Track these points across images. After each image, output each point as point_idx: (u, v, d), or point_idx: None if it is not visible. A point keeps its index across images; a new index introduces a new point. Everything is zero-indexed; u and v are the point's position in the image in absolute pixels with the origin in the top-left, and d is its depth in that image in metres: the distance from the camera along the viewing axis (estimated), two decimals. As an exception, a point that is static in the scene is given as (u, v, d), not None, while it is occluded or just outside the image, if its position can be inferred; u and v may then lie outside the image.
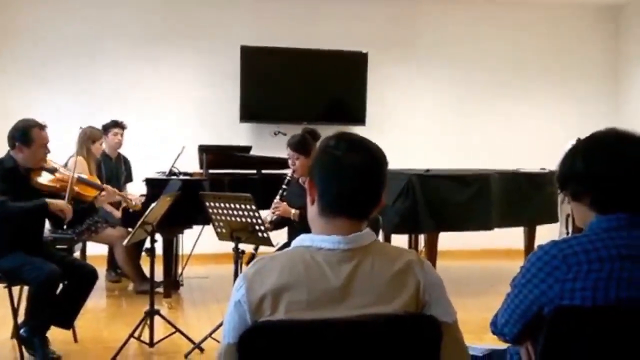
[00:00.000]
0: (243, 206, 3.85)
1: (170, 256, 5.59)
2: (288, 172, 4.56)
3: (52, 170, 4.07)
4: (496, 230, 5.74)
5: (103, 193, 4.37)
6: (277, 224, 4.43)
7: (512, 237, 6.39)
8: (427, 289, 1.53)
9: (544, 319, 1.74)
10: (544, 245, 1.77)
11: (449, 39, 7.69)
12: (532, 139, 7.73)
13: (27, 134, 3.85)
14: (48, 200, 3.85)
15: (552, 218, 6.18)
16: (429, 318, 1.50)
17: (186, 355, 3.98)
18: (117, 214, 5.66)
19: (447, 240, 5.67)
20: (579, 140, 1.90)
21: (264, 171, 5.89)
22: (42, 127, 3.92)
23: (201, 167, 5.76)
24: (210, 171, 5.69)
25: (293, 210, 4.27)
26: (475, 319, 3.19)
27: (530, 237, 6.28)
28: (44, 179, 4.00)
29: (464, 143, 7.63)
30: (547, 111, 7.90)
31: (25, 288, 4.00)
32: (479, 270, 6.95)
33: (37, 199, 3.90)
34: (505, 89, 7.84)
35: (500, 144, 7.66)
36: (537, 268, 1.74)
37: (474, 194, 5.51)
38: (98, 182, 4.59)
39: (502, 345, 2.10)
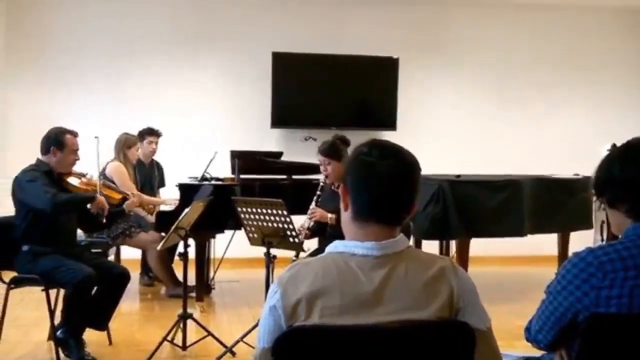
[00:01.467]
0: (274, 211, 3.87)
1: (203, 260, 5.64)
2: (320, 177, 4.56)
3: (80, 175, 4.28)
4: (529, 236, 5.68)
5: (132, 199, 4.53)
6: (314, 231, 4.43)
7: (545, 243, 6.31)
8: (461, 295, 1.53)
9: (578, 326, 1.73)
10: (580, 252, 1.76)
11: (480, 44, 7.65)
12: (565, 144, 7.63)
13: (60, 139, 4.07)
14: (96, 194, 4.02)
15: (586, 224, 6.09)
16: (462, 325, 1.50)
17: (218, 359, 4.02)
18: (150, 218, 5.74)
19: (479, 246, 5.62)
20: (614, 146, 1.88)
21: (294, 176, 5.92)
22: (74, 134, 4.15)
23: (233, 173, 5.81)
24: (242, 176, 5.74)
25: (329, 215, 4.27)
26: (507, 326, 3.16)
27: (563, 243, 6.21)
28: (75, 181, 4.21)
29: (496, 148, 7.58)
30: (579, 116, 7.80)
31: (62, 290, 4.09)
32: (510, 276, 6.88)
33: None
34: (537, 93, 7.76)
35: (532, 150, 7.58)
36: (572, 275, 1.73)
37: (505, 200, 5.46)
38: (125, 190, 4.77)
39: (536, 353, 2.09)
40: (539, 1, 7.56)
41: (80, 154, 4.17)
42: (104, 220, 4.10)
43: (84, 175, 4.29)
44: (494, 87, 7.69)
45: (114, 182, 5.30)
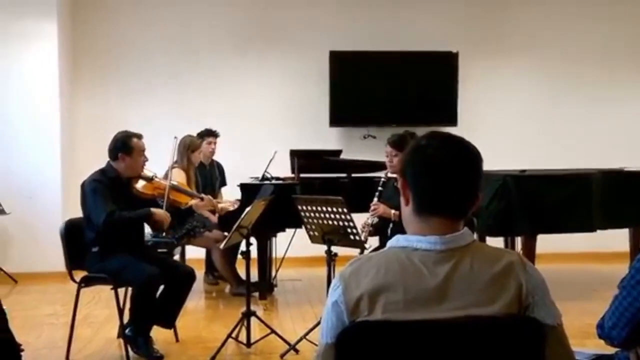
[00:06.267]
0: (335, 209, 3.87)
1: (265, 259, 5.70)
2: (381, 174, 4.54)
3: (149, 179, 4.33)
4: (599, 232, 5.48)
5: (201, 202, 4.57)
6: (377, 228, 4.37)
7: (615, 239, 6.09)
8: (530, 290, 1.47)
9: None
10: (655, 245, 1.68)
11: (542, 36, 7.44)
12: (634, 136, 7.34)
13: (127, 143, 4.13)
14: (153, 209, 4.10)
15: (659, 218, 5.84)
16: (531, 320, 1.45)
17: (282, 356, 4.05)
18: (214, 218, 5.83)
19: (547, 242, 5.46)
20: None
21: (354, 174, 5.90)
22: (139, 137, 4.22)
23: (292, 172, 5.85)
24: (302, 175, 5.77)
25: (393, 211, 4.23)
26: (576, 324, 3.08)
27: (635, 238, 5.99)
28: (142, 186, 4.27)
29: (561, 143, 7.36)
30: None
31: (130, 289, 4.20)
32: (580, 273, 6.67)
33: (137, 206, 4.16)
34: (603, 85, 7.49)
35: (598, 143, 7.33)
36: (647, 269, 1.66)
37: (573, 194, 5.28)
38: (192, 190, 4.83)
39: (609, 350, 2.01)
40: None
41: (151, 155, 4.26)
42: (164, 232, 4.12)
43: (152, 179, 4.34)
44: (557, 80, 7.47)
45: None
